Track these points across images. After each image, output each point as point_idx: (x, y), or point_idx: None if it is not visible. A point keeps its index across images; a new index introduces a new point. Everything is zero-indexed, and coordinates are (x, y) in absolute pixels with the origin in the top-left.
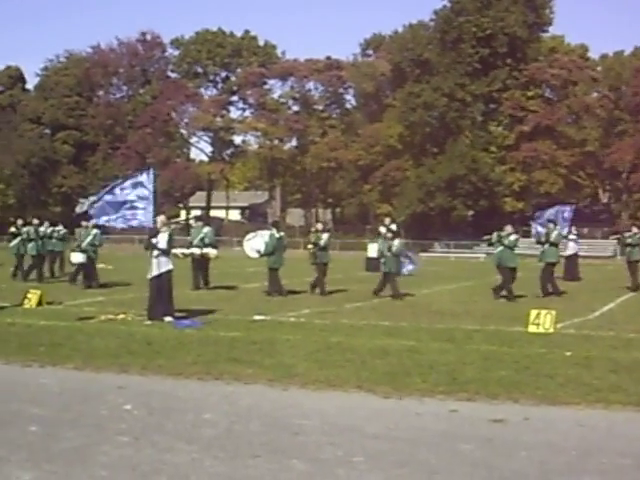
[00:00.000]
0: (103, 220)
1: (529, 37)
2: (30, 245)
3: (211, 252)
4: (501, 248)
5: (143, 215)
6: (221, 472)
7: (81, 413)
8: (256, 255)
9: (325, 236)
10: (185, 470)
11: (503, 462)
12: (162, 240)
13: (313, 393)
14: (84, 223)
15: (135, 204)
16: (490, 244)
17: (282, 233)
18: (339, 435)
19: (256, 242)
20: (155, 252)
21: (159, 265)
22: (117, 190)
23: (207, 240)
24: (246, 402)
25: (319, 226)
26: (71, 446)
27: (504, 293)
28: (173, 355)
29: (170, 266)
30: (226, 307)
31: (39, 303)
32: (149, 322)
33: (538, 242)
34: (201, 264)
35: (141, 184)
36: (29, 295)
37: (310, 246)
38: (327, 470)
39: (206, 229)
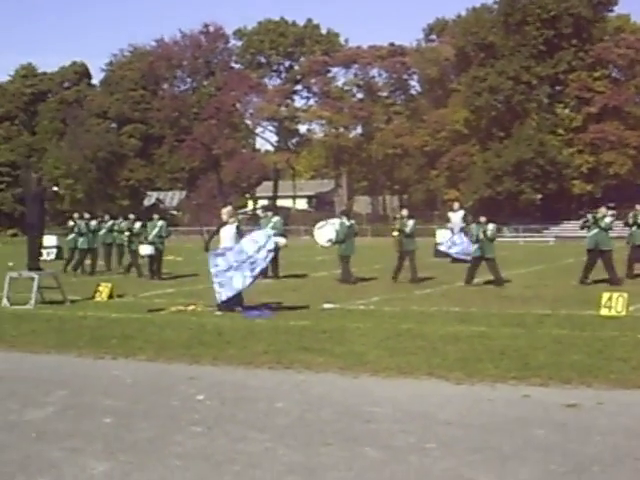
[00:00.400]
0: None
1: (594, 17)
2: (81, 239)
3: (280, 241)
4: (596, 230)
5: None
6: (294, 460)
7: (154, 404)
8: (327, 243)
9: (411, 222)
10: (258, 459)
11: (577, 447)
12: (230, 232)
13: (384, 380)
14: (155, 216)
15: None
16: (584, 227)
17: (352, 221)
18: (411, 422)
19: (327, 230)
20: (222, 243)
21: None
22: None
23: (277, 230)
24: (317, 390)
25: (404, 212)
26: (145, 437)
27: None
28: (244, 345)
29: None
30: (295, 296)
31: (110, 296)
32: (219, 313)
33: (626, 224)
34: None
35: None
36: (100, 288)
37: (395, 233)
38: (400, 457)
39: (275, 219)
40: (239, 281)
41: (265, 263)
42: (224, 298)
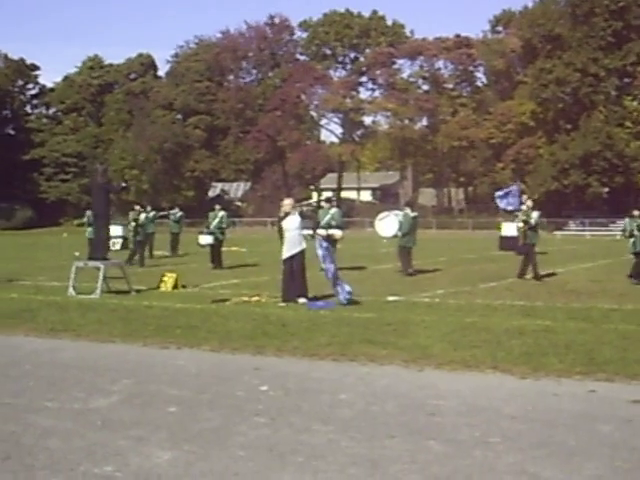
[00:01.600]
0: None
1: None
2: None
3: (336, 233)
4: None
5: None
6: (358, 453)
7: (218, 394)
8: (389, 234)
9: (535, 214)
10: (322, 451)
11: None
12: (293, 222)
13: (448, 374)
14: (217, 206)
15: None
16: None
17: (416, 213)
18: (476, 416)
19: (389, 222)
20: (287, 234)
21: (291, 246)
22: None
23: (334, 222)
24: (382, 383)
25: (529, 203)
26: (209, 427)
27: None
28: (308, 336)
29: (302, 246)
30: (359, 288)
31: (175, 286)
32: (283, 304)
33: None
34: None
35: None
36: (165, 278)
37: (520, 225)
38: (464, 451)
39: (333, 210)
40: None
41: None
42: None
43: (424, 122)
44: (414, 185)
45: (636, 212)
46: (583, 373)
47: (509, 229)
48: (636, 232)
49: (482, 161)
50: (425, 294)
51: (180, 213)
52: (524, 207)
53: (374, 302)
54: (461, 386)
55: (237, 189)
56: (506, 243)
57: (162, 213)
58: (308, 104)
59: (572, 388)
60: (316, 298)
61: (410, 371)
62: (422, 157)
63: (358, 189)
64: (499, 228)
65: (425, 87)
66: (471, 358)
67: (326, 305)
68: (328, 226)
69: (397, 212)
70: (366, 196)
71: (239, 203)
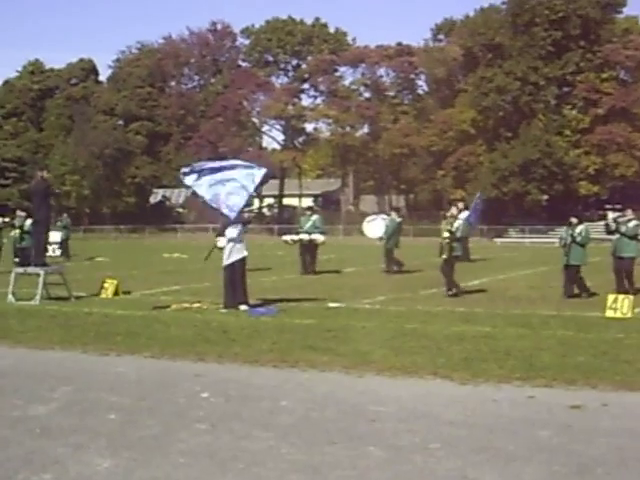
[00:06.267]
0: (192, 180)
1: (602, 18)
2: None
3: (319, 238)
4: (618, 236)
5: (233, 204)
6: (298, 459)
7: (159, 401)
8: (376, 236)
9: (459, 223)
10: (262, 457)
11: (582, 448)
12: (235, 229)
13: (389, 380)
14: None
15: (234, 187)
16: (609, 232)
17: (401, 218)
18: (416, 422)
19: (377, 224)
20: (228, 240)
21: (232, 253)
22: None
23: (316, 227)
24: (322, 389)
25: (454, 211)
26: (150, 434)
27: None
28: (249, 343)
29: (244, 254)
30: (301, 294)
31: (115, 293)
32: (225, 310)
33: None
34: (309, 250)
35: (252, 176)
36: (106, 285)
37: (446, 234)
38: (404, 457)
39: (315, 217)
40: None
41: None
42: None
43: (365, 129)
44: (355, 192)
45: (574, 219)
46: (522, 379)
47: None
48: (569, 241)
49: (423, 168)
50: (366, 300)
51: (68, 220)
52: (448, 214)
53: (315, 309)
54: (401, 392)
55: (178, 195)
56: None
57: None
58: (250, 111)
59: (511, 394)
60: (257, 305)
61: (350, 377)
62: (363, 164)
63: (300, 196)
64: (440, 235)
65: (367, 95)
66: (411, 364)
67: (267, 312)
68: (312, 232)
69: (384, 216)
70: (308, 203)
71: (180, 209)
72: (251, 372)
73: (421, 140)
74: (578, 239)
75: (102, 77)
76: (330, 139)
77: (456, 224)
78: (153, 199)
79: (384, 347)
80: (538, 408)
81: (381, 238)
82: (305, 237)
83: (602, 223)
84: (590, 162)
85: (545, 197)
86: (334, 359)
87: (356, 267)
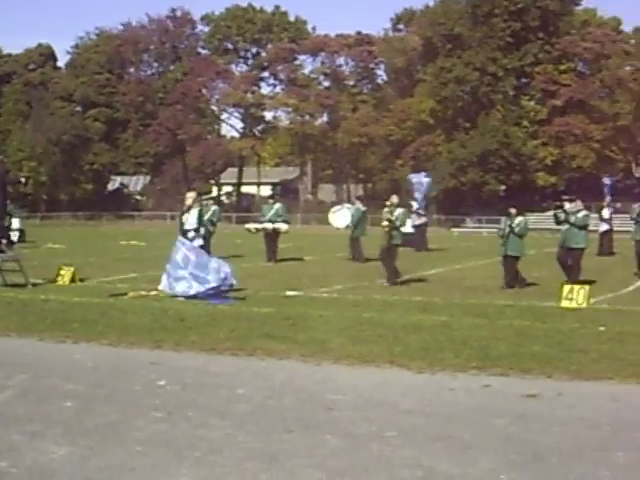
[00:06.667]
0: None
1: (561, 10)
2: None
3: (282, 227)
4: (567, 226)
5: None
6: (255, 447)
7: (115, 389)
8: (342, 225)
9: (399, 212)
10: (219, 445)
11: (536, 437)
12: (192, 217)
13: (346, 368)
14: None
15: None
16: (559, 222)
17: (365, 208)
18: (372, 410)
19: (343, 214)
20: (186, 229)
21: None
22: None
23: (279, 216)
24: (279, 377)
25: (394, 199)
26: (106, 421)
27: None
28: (206, 331)
29: (199, 242)
30: (258, 283)
31: (72, 280)
32: (182, 298)
33: (632, 219)
34: (272, 238)
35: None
36: (62, 272)
37: (385, 223)
38: (361, 445)
39: (277, 205)
40: (183, 287)
41: (214, 291)
42: (162, 287)
43: (324, 118)
44: (314, 181)
45: (513, 210)
46: (478, 368)
47: (406, 225)
48: (507, 232)
49: (381, 158)
50: (324, 289)
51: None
52: (388, 203)
53: (273, 297)
54: (358, 381)
55: (136, 183)
56: (405, 240)
57: None
58: (209, 98)
59: (467, 383)
60: (214, 293)
61: (308, 366)
62: (322, 153)
63: (258, 184)
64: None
65: (326, 83)
66: (368, 353)
67: (225, 300)
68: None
69: (349, 205)
70: (266, 191)
71: (138, 197)
72: (208, 360)
73: (380, 129)
74: (516, 230)
75: (60, 63)
76: (289, 128)
77: (396, 213)
78: (111, 186)
79: (341, 336)
80: (494, 397)
81: (347, 226)
82: (269, 226)
83: (551, 214)
84: (547, 153)
85: (503, 187)
86: (292, 347)
87: (314, 256)
